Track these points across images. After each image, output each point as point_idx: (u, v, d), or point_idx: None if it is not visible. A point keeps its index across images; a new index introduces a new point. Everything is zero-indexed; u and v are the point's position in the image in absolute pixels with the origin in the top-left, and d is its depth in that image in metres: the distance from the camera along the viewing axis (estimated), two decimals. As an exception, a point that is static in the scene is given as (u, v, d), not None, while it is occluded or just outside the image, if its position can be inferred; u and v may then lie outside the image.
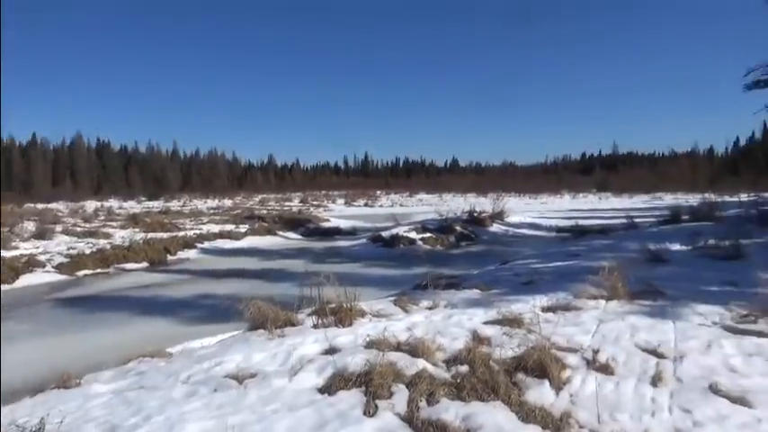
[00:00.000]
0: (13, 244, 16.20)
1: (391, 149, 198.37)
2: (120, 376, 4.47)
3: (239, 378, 4.00)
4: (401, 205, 43.13)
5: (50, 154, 70.00)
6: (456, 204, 30.17)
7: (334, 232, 21.91)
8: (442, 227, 18.64)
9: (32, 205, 40.22)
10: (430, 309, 6.16)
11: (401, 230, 17.71)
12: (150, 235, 18.15)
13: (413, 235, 17.27)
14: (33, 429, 2.45)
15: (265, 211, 30.99)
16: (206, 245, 17.33)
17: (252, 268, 13.15)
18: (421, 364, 4.04)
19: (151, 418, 3.34)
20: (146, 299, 9.85)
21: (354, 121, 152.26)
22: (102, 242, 16.98)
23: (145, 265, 14.05)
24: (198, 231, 19.91)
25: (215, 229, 20.83)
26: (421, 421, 3.22)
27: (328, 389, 3.73)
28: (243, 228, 21.44)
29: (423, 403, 3.46)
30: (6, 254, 14.43)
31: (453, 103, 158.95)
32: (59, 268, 13.02)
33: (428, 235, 17.52)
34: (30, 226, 20.58)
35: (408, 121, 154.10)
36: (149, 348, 5.34)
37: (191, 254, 15.99)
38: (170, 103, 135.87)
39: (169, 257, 15.09)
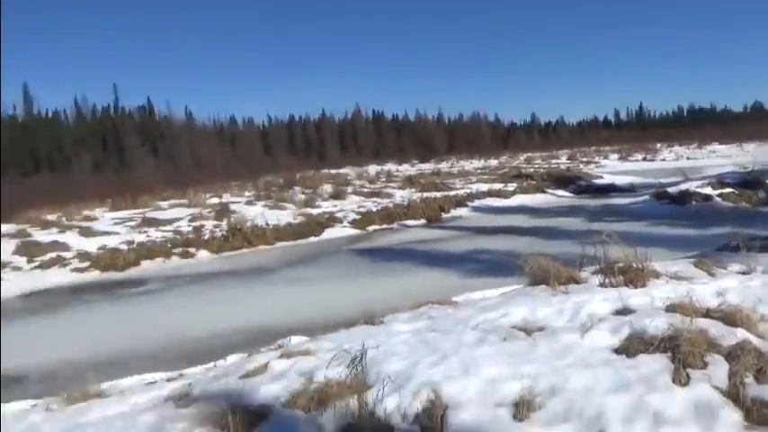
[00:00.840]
0: (317, 203, 19.11)
1: (671, 97, 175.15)
2: (414, 319, 4.86)
3: (527, 330, 3.97)
4: (688, 158, 37.83)
5: (336, 126, 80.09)
6: (764, 155, 25.19)
7: (609, 189, 20.38)
8: (746, 181, 15.75)
9: (327, 171, 46.71)
10: (743, 273, 5.24)
11: (692, 186, 15.55)
12: (425, 194, 19.45)
13: (707, 191, 15.01)
14: (357, 353, 2.78)
15: (532, 170, 30.44)
16: (476, 203, 17.86)
17: (523, 225, 13.10)
18: (741, 334, 3.44)
19: (447, 357, 3.53)
20: (426, 252, 10.61)
21: (626, 69, 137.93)
22: (385, 201, 18.84)
23: (422, 221, 15.15)
24: (467, 191, 20.59)
25: (483, 188, 21.27)
26: (750, 399, 2.74)
27: (626, 350, 3.44)
28: (511, 186, 21.45)
29: (749, 379, 2.94)
30: (312, 211, 17.10)
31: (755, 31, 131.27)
32: (353, 224, 14.90)
33: (727, 190, 15.02)
34: (327, 188, 24.01)
35: (692, 61, 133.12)
36: (436, 296, 5.71)
37: (462, 212, 16.69)
38: (433, 70, 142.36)
39: (443, 215, 16.00)
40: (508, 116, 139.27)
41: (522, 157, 53.90)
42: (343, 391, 2.99)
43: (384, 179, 29.98)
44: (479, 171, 33.62)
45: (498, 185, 22.03)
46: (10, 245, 12.55)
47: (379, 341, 4.01)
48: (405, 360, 3.58)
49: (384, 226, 14.85)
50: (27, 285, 9.99)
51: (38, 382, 5.17)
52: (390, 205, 17.31)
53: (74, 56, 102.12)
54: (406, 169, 43.60)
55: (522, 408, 2.77)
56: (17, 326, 7.45)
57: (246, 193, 23.28)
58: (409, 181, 26.01)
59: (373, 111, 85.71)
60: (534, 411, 2.76)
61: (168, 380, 4.14)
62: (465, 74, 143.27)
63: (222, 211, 16.58)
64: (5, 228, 15.51)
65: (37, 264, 11.37)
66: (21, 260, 11.58)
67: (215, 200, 20.37)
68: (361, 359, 2.77)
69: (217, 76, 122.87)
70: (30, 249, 12.16)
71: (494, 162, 47.80)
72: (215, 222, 15.12)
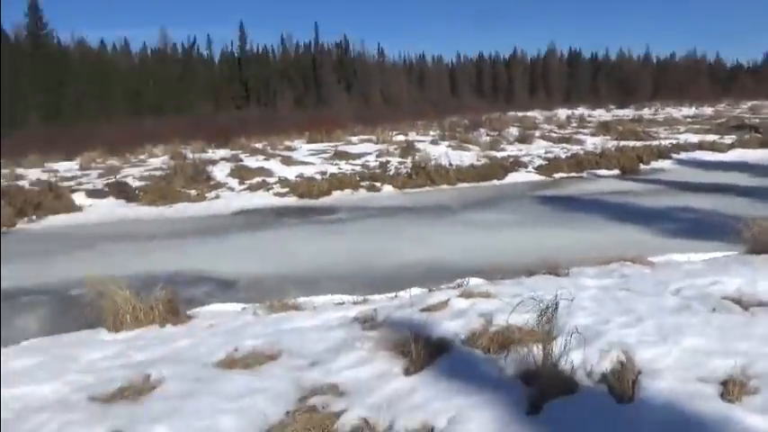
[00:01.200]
0: (502, 146, 18.65)
1: None
2: (603, 275, 4.55)
3: (743, 303, 3.48)
4: None
5: (527, 66, 76.11)
6: None
7: None
8: None
9: (514, 113, 45.05)
10: None
11: None
12: (622, 143, 17.84)
13: None
14: (550, 303, 2.67)
15: (758, 120, 26.08)
16: (682, 156, 15.90)
17: (740, 184, 11.35)
18: None
19: (642, 320, 3.25)
20: (618, 204, 9.79)
21: None
22: (575, 148, 17.71)
23: (616, 172, 13.94)
24: (673, 141, 18.45)
25: (693, 139, 18.88)
26: None
27: None
28: (728, 139, 18.66)
29: None
30: (496, 154, 16.75)
31: None
32: (538, 169, 14.27)
33: None
34: (513, 131, 23.24)
35: None
36: (629, 253, 5.25)
37: (665, 164, 15.01)
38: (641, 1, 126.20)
39: (641, 166, 14.53)
40: (733, 55, 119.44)
41: (745, 106, 46.37)
42: (526, 337, 2.92)
43: (575, 124, 28.18)
44: (690, 120, 29.80)
45: (712, 137, 19.30)
46: (225, 168, 14.42)
47: (565, 294, 3.82)
48: (592, 316, 3.39)
49: (572, 174, 13.96)
50: (238, 205, 11.36)
51: (246, 289, 5.90)
52: (581, 152, 16.19)
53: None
54: (601, 114, 40.30)
55: (733, 388, 2.44)
56: (230, 239, 8.56)
57: (431, 133, 23.56)
58: (604, 127, 24.07)
59: (570, 49, 79.63)
60: (748, 395, 2.42)
61: (354, 303, 4.44)
62: (680, 3, 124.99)
63: (407, 149, 17.01)
64: (223, 152, 17.79)
65: (246, 186, 12.86)
66: (234, 182, 13.21)
67: (401, 137, 20.98)
68: (555, 309, 2.65)
69: (409, 12, 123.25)
70: (241, 173, 13.79)
71: (709, 110, 41.87)
72: (400, 159, 15.59)
